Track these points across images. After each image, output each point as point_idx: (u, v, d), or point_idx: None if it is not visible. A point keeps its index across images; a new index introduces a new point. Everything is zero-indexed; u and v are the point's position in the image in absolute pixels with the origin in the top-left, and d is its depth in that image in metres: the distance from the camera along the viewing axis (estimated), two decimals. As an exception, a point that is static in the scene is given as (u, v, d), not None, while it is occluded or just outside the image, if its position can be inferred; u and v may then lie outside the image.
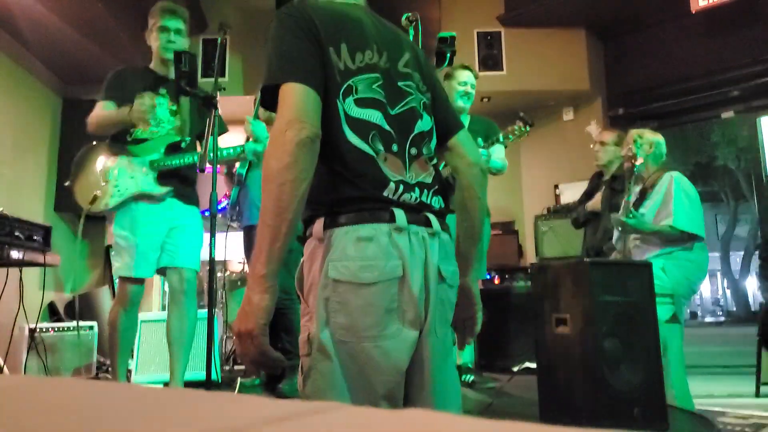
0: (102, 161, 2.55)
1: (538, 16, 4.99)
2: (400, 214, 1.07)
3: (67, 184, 2.58)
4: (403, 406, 1.07)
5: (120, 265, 2.51)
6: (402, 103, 1.17)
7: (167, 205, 2.56)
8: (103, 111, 2.51)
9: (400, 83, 1.18)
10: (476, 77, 3.36)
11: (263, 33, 5.46)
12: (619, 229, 2.94)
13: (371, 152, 1.09)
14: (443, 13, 4.98)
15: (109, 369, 2.81)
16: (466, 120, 3.24)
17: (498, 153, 3.15)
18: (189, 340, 2.59)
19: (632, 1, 4.76)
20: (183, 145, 2.61)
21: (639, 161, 2.92)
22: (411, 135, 1.16)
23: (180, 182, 2.58)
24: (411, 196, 1.11)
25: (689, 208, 2.82)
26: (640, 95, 5.13)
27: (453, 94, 3.20)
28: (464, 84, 3.27)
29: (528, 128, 3.04)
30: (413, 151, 1.15)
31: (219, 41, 2.40)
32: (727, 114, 4.97)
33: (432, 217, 1.14)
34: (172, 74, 2.58)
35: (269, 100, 1.08)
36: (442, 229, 1.15)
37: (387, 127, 1.12)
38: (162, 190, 2.53)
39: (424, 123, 1.20)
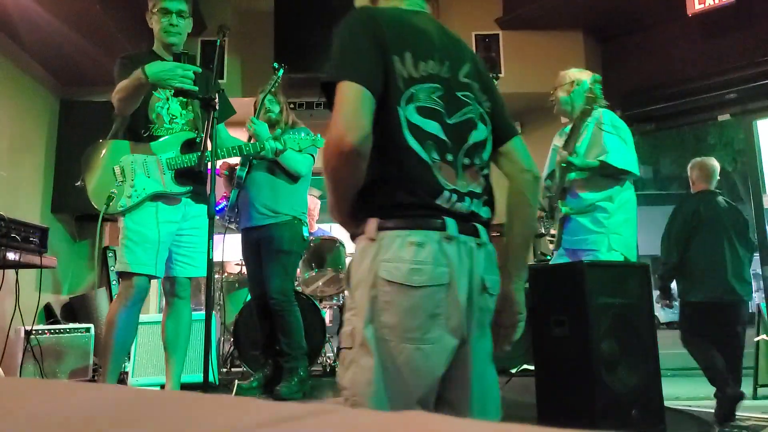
0: (115, 159, 2.44)
1: (535, 19, 5.00)
2: (451, 224, 1.11)
3: (78, 183, 2.47)
4: (444, 414, 1.08)
5: (130, 261, 2.36)
6: (459, 113, 1.20)
7: (181, 205, 2.49)
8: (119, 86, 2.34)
9: (459, 93, 1.21)
10: None
11: (262, 35, 5.41)
12: (563, 165, 2.81)
13: (428, 160, 1.12)
14: (441, 15, 4.98)
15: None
16: None
17: None
18: (184, 342, 2.57)
19: (629, 3, 4.77)
20: (198, 140, 2.49)
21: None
22: (466, 145, 1.19)
23: (195, 181, 2.49)
24: (463, 206, 1.15)
25: (621, 143, 2.76)
26: (637, 97, 5.14)
27: None
28: None
29: None
30: (466, 161, 1.18)
31: (218, 43, 2.38)
32: (724, 116, 4.98)
33: (480, 228, 1.17)
34: None
35: (328, 98, 1.12)
36: (488, 240, 1.19)
37: (443, 137, 1.15)
38: (181, 189, 2.45)
39: (480, 132, 1.23)
